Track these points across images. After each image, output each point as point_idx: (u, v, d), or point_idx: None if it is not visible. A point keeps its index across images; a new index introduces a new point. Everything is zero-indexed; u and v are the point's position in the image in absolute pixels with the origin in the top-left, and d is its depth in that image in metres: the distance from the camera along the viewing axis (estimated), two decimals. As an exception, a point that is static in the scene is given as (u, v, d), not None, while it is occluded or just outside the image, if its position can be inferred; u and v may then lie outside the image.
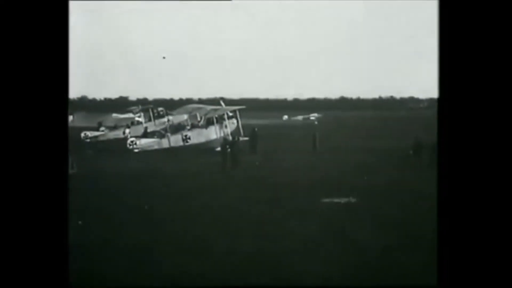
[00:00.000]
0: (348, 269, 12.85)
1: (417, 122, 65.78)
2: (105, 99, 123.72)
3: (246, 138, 39.40)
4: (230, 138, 37.71)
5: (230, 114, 42.13)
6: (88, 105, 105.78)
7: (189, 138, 41.11)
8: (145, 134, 46.16)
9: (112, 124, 57.32)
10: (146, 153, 39.62)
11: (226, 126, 41.13)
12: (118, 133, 50.73)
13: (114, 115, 63.00)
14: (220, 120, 41.57)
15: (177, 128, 44.46)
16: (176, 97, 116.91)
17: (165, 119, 51.24)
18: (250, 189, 23.86)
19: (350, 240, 15.35)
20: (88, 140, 50.70)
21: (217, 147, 35.98)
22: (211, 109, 42.67)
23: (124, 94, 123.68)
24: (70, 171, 26.64)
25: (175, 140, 40.97)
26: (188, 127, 42.98)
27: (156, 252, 14.38)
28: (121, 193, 23.25)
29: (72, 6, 10.03)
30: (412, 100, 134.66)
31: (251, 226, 17.06)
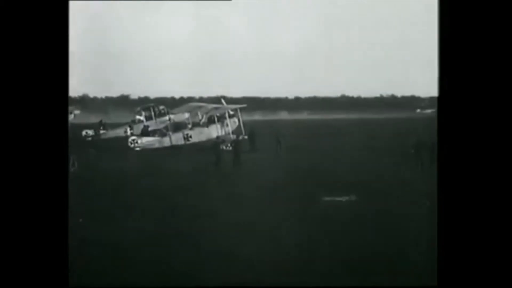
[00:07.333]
0: (349, 268, 12.84)
1: (418, 121, 65.70)
2: (106, 97, 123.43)
3: (246, 137, 39.59)
4: (233, 136, 37.78)
5: (231, 112, 42.15)
6: (89, 104, 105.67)
7: (190, 137, 41.14)
8: (146, 133, 46.11)
9: (113, 122, 57.11)
10: (147, 151, 39.63)
11: (227, 125, 41.17)
12: (119, 132, 50.67)
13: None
14: (221, 118, 41.60)
15: (178, 127, 44.45)
16: (177, 95, 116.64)
17: (167, 118, 51.23)
18: (250, 188, 23.85)
19: (350, 239, 15.33)
20: (89, 138, 50.64)
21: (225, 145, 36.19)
22: (212, 108, 42.72)
23: (125, 93, 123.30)
24: (71, 169, 26.65)
25: (176, 138, 41.02)
26: (190, 126, 42.99)
27: (156, 251, 14.36)
28: (121, 192, 23.24)
29: (72, 5, 10.03)
30: (413, 98, 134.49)
31: (251, 224, 17.04)
